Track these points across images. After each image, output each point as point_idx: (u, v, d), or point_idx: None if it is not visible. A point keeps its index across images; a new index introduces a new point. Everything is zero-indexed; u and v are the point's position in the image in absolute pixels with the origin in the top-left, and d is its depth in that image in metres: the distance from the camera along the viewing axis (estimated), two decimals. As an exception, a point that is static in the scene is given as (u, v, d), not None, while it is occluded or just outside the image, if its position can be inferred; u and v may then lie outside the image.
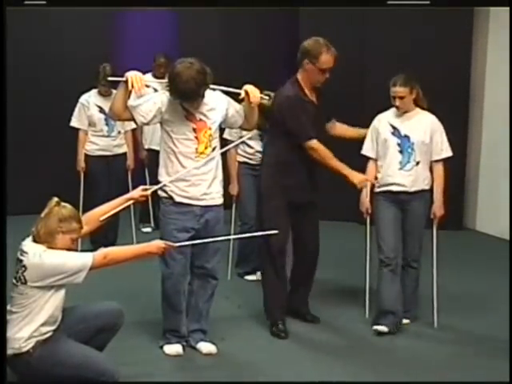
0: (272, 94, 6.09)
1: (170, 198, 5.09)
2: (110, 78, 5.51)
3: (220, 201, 5.22)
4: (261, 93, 5.16)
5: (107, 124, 7.80)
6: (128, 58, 8.90)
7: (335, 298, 6.44)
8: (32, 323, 4.26)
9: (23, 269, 4.24)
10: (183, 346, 5.26)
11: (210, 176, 5.12)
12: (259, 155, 6.94)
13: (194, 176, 5.08)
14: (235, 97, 5.21)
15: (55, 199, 4.35)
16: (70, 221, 4.32)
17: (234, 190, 6.93)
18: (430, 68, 9.00)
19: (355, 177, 5.53)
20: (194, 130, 5.07)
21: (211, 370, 5.02)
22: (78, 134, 7.85)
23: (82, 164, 7.84)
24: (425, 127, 5.68)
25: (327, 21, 9.28)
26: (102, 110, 7.72)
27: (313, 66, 5.50)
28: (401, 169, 5.65)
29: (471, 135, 9.42)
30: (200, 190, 5.10)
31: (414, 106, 5.70)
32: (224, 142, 6.02)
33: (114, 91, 7.10)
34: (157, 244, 4.57)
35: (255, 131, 6.31)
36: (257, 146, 6.93)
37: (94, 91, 7.82)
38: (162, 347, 5.24)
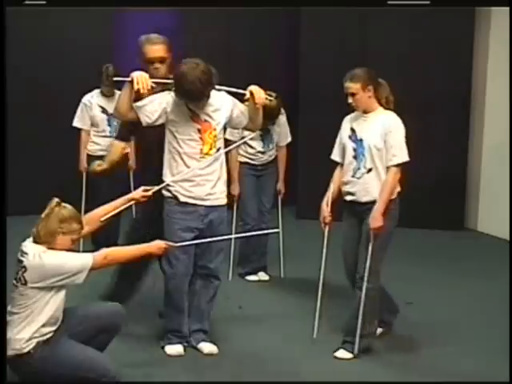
0: (274, 95, 6.10)
1: (175, 197, 5.10)
2: (115, 78, 5.51)
3: (224, 201, 5.24)
4: (264, 93, 5.17)
5: (109, 124, 7.81)
6: (129, 58, 8.90)
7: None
8: (33, 324, 4.25)
9: (23, 269, 4.23)
10: (184, 347, 5.26)
11: (214, 176, 5.14)
12: (260, 155, 7.00)
13: (199, 176, 5.09)
14: (240, 97, 5.22)
15: (56, 200, 4.35)
16: (71, 221, 4.31)
17: (235, 190, 6.93)
18: (431, 69, 9.04)
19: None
20: (199, 130, 5.07)
21: (212, 370, 5.02)
22: (79, 134, 7.86)
23: (84, 164, 7.84)
24: (379, 129, 5.14)
25: (328, 20, 9.33)
26: (104, 111, 7.73)
27: (142, 62, 5.30)
28: (353, 176, 5.23)
29: (472, 135, 9.44)
30: (204, 190, 5.11)
31: (376, 105, 5.21)
32: (225, 143, 6.02)
33: (116, 92, 7.15)
34: (157, 244, 4.57)
35: (257, 131, 6.31)
36: (258, 146, 6.96)
37: (96, 91, 7.82)
38: (163, 347, 5.24)
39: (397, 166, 5.13)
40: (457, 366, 5.13)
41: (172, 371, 4.97)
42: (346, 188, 5.29)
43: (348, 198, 5.28)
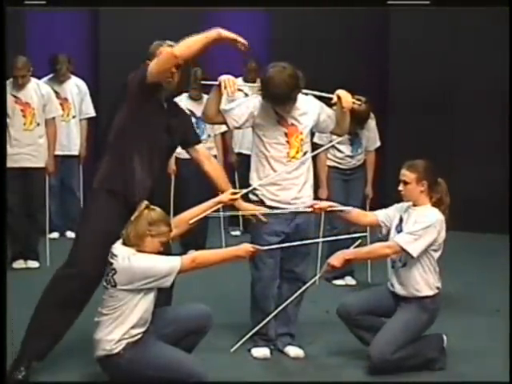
0: (363, 99, 6.07)
1: (261, 201, 5.13)
2: (203, 82, 5.58)
3: (311, 205, 5.23)
4: (352, 97, 5.15)
5: (198, 127, 7.83)
6: (218, 61, 8.98)
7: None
8: (122, 325, 4.32)
9: (113, 272, 4.31)
10: (271, 350, 5.28)
11: (301, 180, 5.15)
12: (349, 160, 6.99)
13: (286, 180, 5.11)
14: (327, 101, 5.21)
15: (145, 202, 4.41)
16: (159, 224, 4.36)
17: (323, 194, 6.93)
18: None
19: None
20: (286, 134, 5.10)
21: (298, 373, 5.03)
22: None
23: (172, 167, 7.92)
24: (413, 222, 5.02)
25: (418, 21, 9.24)
26: (192, 114, 7.79)
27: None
28: (392, 267, 5.10)
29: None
30: (291, 194, 5.13)
31: (426, 201, 5.04)
32: (314, 146, 6.02)
33: (204, 95, 7.21)
34: (245, 248, 4.58)
35: (345, 136, 6.28)
36: (347, 150, 6.95)
37: (184, 95, 7.89)
38: (249, 350, 5.27)
39: (398, 245, 4.95)
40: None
41: (258, 374, 4.99)
42: (389, 277, 5.16)
43: (390, 287, 5.16)
